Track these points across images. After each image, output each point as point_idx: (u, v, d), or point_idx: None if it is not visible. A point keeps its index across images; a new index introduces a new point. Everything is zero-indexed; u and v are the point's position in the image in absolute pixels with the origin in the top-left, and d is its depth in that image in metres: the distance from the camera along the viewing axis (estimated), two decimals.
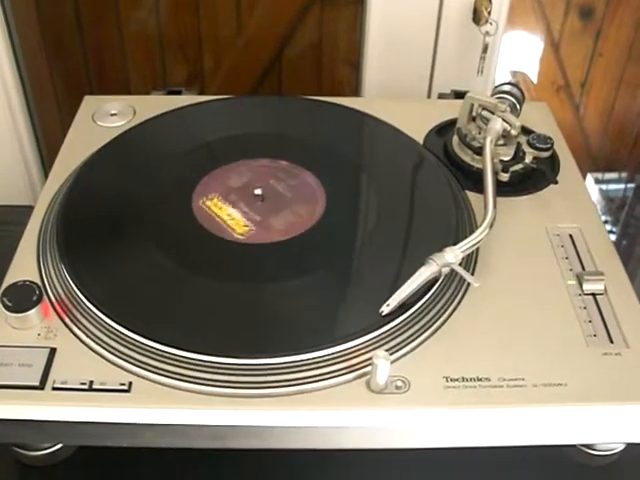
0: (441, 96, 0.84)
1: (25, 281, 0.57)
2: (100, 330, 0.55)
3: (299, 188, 0.68)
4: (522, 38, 1.08)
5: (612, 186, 1.24)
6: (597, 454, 0.59)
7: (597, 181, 1.23)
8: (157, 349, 0.53)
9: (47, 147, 0.99)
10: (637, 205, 1.21)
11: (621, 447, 0.59)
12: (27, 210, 0.67)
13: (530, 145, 0.69)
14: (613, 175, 1.23)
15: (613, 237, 1.16)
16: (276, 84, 1.07)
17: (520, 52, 1.09)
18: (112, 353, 0.54)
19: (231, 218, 0.64)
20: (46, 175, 0.97)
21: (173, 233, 0.63)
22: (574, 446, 0.59)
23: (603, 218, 1.16)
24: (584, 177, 0.72)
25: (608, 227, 1.18)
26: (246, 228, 0.63)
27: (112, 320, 0.55)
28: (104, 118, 0.76)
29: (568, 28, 1.07)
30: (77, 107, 0.78)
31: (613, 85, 1.12)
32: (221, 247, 0.62)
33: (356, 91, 1.04)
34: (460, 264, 0.58)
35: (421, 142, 0.73)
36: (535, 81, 1.12)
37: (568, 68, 1.11)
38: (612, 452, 0.59)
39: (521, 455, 0.58)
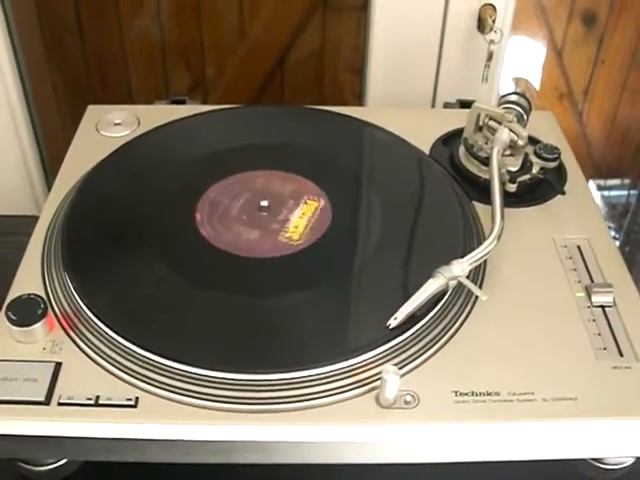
0: (446, 105, 0.83)
1: (30, 294, 0.56)
2: (106, 344, 0.54)
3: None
4: (525, 44, 1.08)
5: (615, 192, 1.24)
6: (607, 468, 0.59)
7: (600, 188, 1.23)
8: (164, 364, 0.53)
9: (49, 156, 0.99)
10: None
11: (631, 461, 0.59)
12: (30, 220, 0.67)
13: (537, 155, 0.69)
14: (616, 182, 1.23)
15: (616, 244, 1.16)
16: (279, 91, 1.07)
17: (523, 59, 1.08)
18: (118, 368, 0.53)
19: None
20: (49, 184, 0.97)
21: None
22: (584, 460, 0.58)
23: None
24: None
25: (611, 234, 1.18)
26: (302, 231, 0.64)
27: (118, 334, 0.54)
28: (108, 128, 0.76)
29: (571, 35, 1.07)
30: (79, 116, 0.78)
31: (616, 92, 1.12)
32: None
33: (359, 99, 1.03)
34: (468, 277, 0.57)
35: (427, 152, 0.73)
36: (538, 88, 1.11)
37: (571, 75, 1.10)
38: (622, 466, 0.59)
39: (531, 469, 0.57)
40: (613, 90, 1.12)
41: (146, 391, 0.52)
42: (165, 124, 0.74)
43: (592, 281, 0.61)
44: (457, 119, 0.75)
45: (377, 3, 0.88)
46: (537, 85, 1.11)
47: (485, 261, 0.60)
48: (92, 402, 0.51)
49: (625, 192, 1.24)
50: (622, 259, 0.63)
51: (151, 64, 1.03)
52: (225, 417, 0.51)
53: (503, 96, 0.72)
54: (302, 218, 0.65)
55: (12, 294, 0.58)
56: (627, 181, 1.23)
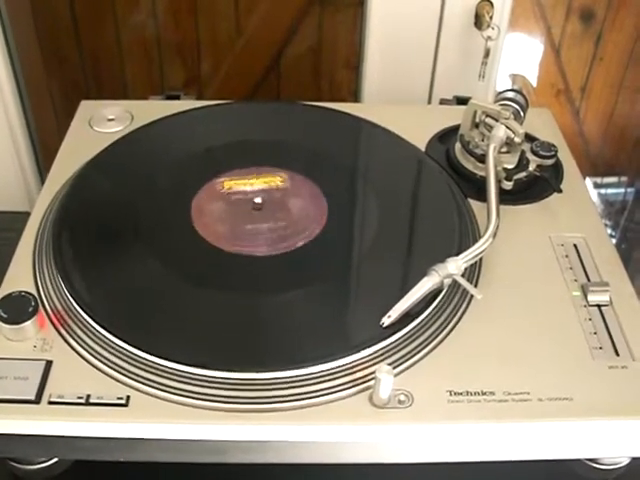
0: (443, 102, 0.83)
1: (20, 292, 0.56)
2: (97, 342, 0.54)
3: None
4: (522, 41, 1.07)
5: (611, 190, 1.24)
6: (602, 468, 0.58)
7: (596, 185, 1.22)
8: (155, 363, 0.52)
9: (43, 152, 0.98)
10: (636, 210, 1.21)
11: (627, 461, 0.58)
12: (24, 217, 0.66)
13: (534, 153, 0.68)
14: (612, 179, 1.23)
15: (612, 242, 1.16)
16: (274, 88, 1.07)
17: (520, 55, 1.08)
18: (109, 366, 0.53)
19: None
20: (42, 181, 0.96)
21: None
22: (579, 460, 0.58)
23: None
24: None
25: (607, 231, 1.18)
26: None
27: (109, 332, 0.54)
28: (101, 123, 0.75)
29: (569, 32, 1.06)
30: (74, 112, 0.77)
31: (613, 89, 1.12)
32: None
33: (355, 95, 1.03)
34: (463, 275, 0.57)
35: (423, 149, 0.72)
36: (535, 85, 1.11)
37: (568, 72, 1.10)
38: (617, 466, 0.58)
39: (526, 469, 0.57)
40: (610, 87, 1.12)
41: (137, 390, 0.51)
42: (159, 119, 0.74)
43: (588, 280, 0.61)
44: (453, 116, 0.74)
45: None
46: (534, 82, 1.11)
47: (480, 259, 0.60)
48: (83, 401, 0.51)
49: (622, 190, 1.24)
50: (619, 257, 0.63)
51: (147, 60, 1.03)
52: (217, 416, 0.50)
53: (500, 93, 0.72)
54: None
55: (2, 291, 0.57)
56: (624, 179, 1.23)
